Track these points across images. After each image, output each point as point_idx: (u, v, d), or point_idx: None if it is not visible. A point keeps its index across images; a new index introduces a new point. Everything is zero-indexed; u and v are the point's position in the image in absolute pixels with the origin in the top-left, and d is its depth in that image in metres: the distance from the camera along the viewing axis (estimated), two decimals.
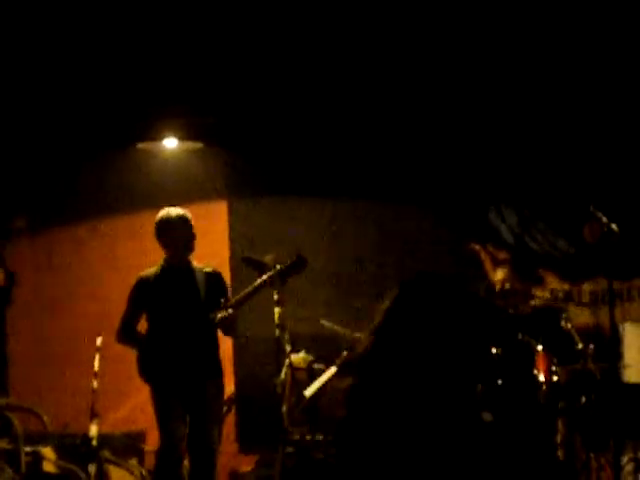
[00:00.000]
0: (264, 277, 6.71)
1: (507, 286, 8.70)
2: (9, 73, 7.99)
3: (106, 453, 8.05)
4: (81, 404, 8.18)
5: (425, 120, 8.86)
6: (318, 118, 8.86)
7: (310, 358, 8.07)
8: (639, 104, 8.34)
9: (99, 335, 7.99)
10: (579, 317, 8.30)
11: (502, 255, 9.17)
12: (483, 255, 9.20)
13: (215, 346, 6.83)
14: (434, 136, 8.98)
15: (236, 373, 9.09)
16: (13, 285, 9.22)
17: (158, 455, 6.77)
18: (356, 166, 9.16)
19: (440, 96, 8.53)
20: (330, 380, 7.58)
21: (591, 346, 7.42)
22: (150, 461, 7.49)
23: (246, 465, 8.73)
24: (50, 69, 8.03)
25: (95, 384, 8.04)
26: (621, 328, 8.08)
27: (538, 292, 8.95)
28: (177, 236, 6.86)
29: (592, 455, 7.34)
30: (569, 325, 7.60)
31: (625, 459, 7.27)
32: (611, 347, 7.23)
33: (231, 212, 9.47)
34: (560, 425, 7.33)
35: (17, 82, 8.12)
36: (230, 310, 6.68)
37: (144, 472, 8.10)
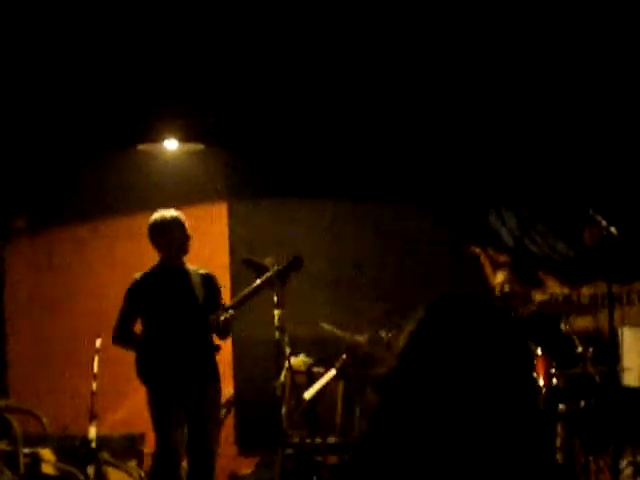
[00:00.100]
0: (262, 278, 6.72)
1: (506, 289, 8.71)
2: (9, 74, 7.99)
3: (105, 455, 8.05)
4: (80, 406, 8.19)
5: (425, 122, 8.86)
6: (318, 120, 8.86)
7: (310, 361, 8.07)
8: (637, 107, 8.33)
9: (98, 336, 7.99)
10: (578, 321, 8.29)
11: (502, 258, 9.17)
12: (483, 258, 9.20)
13: (212, 348, 6.82)
14: (434, 138, 8.98)
15: (235, 376, 9.09)
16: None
17: (155, 459, 6.74)
18: (356, 168, 9.16)
19: (441, 98, 8.53)
20: (329, 383, 7.59)
21: (590, 350, 7.42)
22: (149, 463, 7.49)
23: (245, 467, 8.72)
24: (50, 70, 8.03)
25: (94, 386, 8.04)
26: (620, 332, 8.08)
27: (538, 295, 8.95)
28: (172, 238, 6.85)
29: (591, 458, 7.34)
30: (568, 328, 7.60)
31: (624, 463, 7.27)
32: (610, 351, 7.22)
33: (231, 214, 9.48)
34: (559, 429, 7.33)
35: (17, 83, 8.12)
36: (231, 312, 6.69)
37: (143, 474, 8.10)
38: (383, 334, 8.09)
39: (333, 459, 7.90)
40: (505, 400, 2.36)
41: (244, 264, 7.14)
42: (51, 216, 9.42)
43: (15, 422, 7.98)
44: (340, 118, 8.83)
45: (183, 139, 9.18)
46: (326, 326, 8.06)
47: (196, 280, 6.88)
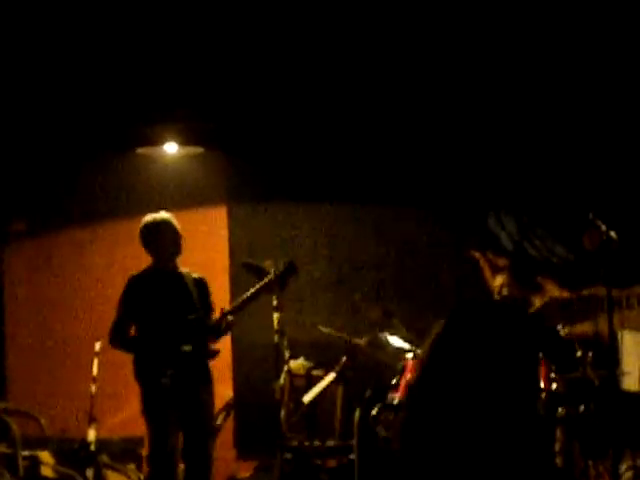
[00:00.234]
0: (260, 284, 6.72)
1: (505, 292, 8.71)
2: (10, 77, 7.99)
3: (104, 458, 8.06)
4: (79, 409, 8.19)
5: (425, 126, 8.86)
6: (318, 123, 8.86)
7: (309, 364, 8.07)
8: (638, 112, 8.34)
9: (98, 340, 7.99)
10: (578, 325, 8.30)
11: (501, 262, 9.18)
12: (482, 262, 9.20)
13: (207, 352, 6.80)
14: (434, 142, 8.98)
15: (235, 379, 9.09)
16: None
17: (152, 463, 6.69)
18: (356, 171, 9.16)
19: (440, 102, 8.54)
20: (328, 386, 7.59)
21: (590, 354, 7.42)
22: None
23: (244, 471, 8.71)
24: (51, 73, 8.03)
25: (94, 389, 8.04)
26: (620, 336, 8.07)
27: (537, 299, 8.95)
28: (163, 240, 6.84)
29: (591, 463, 7.33)
30: (568, 333, 7.60)
31: (624, 467, 7.26)
32: (610, 355, 7.22)
33: (231, 217, 9.48)
34: (559, 433, 7.32)
35: (18, 86, 8.12)
36: (230, 318, 6.69)
37: (142, 477, 8.10)
38: (382, 337, 8.08)
39: (332, 462, 7.90)
40: (519, 402, 2.37)
41: (244, 267, 7.14)
42: (50, 219, 9.43)
43: (14, 424, 7.98)
44: (339, 121, 8.83)
45: (183, 142, 9.19)
46: (325, 329, 8.06)
47: (190, 283, 6.87)
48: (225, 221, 9.47)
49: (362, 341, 7.98)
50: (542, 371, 7.27)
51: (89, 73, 8.07)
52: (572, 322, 8.00)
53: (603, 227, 6.57)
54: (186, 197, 9.23)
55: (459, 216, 9.16)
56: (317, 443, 7.82)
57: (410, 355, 7.53)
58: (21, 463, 7.75)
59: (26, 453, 7.85)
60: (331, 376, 7.65)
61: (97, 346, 8.07)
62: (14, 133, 8.72)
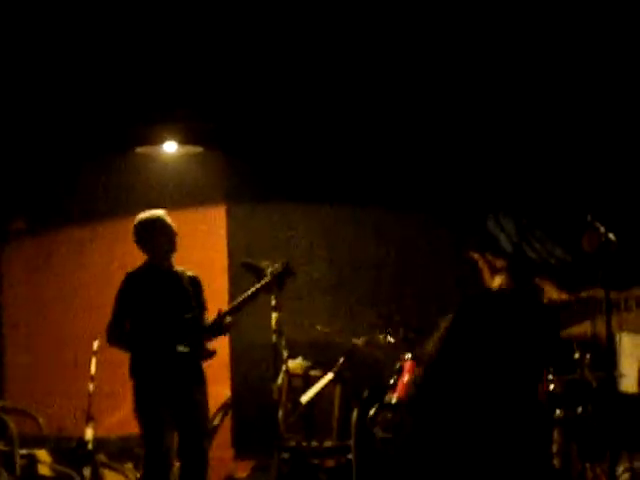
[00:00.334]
0: (257, 285, 6.72)
1: None
2: (9, 76, 7.99)
3: (101, 457, 8.06)
4: (77, 407, 8.19)
5: (424, 128, 8.87)
6: (317, 124, 8.86)
7: (307, 364, 8.08)
8: (636, 113, 8.34)
9: (96, 338, 7.99)
10: (576, 326, 8.30)
11: (499, 263, 9.16)
12: (481, 263, 9.19)
13: (203, 352, 6.79)
14: (433, 144, 8.99)
15: (233, 379, 9.09)
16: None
17: (147, 464, 6.67)
18: (355, 172, 9.16)
19: (439, 104, 8.54)
20: (326, 386, 7.59)
21: (588, 355, 7.42)
22: None
23: (242, 471, 8.72)
24: (50, 73, 8.04)
25: (91, 387, 8.05)
26: (618, 338, 8.07)
27: None
28: (158, 238, 6.83)
29: (588, 465, 7.33)
30: (566, 334, 7.60)
31: (621, 469, 7.26)
32: (608, 357, 7.21)
33: (230, 217, 9.48)
34: (556, 434, 7.32)
35: (17, 86, 8.13)
36: (229, 319, 6.70)
37: (139, 476, 8.10)
38: (381, 338, 8.09)
39: (330, 462, 7.90)
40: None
41: (243, 267, 7.14)
42: (50, 218, 9.43)
43: (11, 423, 7.98)
44: (339, 122, 8.84)
45: (182, 142, 9.19)
46: (324, 330, 8.06)
47: (186, 281, 6.87)
48: (224, 221, 9.47)
49: (360, 341, 7.98)
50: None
51: (88, 73, 8.07)
52: (570, 324, 8.00)
53: (602, 229, 6.57)
54: (185, 196, 9.24)
55: (459, 218, 9.16)
56: (315, 443, 7.83)
57: (408, 355, 7.53)
58: (18, 462, 7.75)
59: (23, 452, 7.86)
60: (329, 376, 7.66)
61: (95, 345, 8.07)
62: (13, 133, 8.72)
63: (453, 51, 7.96)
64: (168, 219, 6.87)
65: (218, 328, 6.74)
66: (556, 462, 7.32)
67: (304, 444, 7.68)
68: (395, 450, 6.82)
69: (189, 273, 6.93)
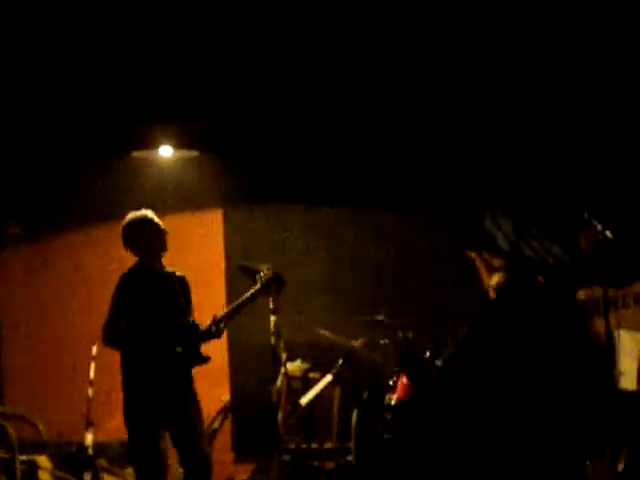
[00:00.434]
0: (244, 297, 6.73)
1: None
2: (7, 80, 7.99)
3: (102, 462, 8.06)
4: (77, 412, 8.18)
5: (422, 127, 8.87)
6: (314, 126, 8.86)
7: (306, 366, 8.09)
8: (634, 112, 8.35)
9: (94, 343, 7.98)
10: None
11: (497, 262, 9.16)
12: (478, 262, 9.19)
13: (197, 357, 6.78)
14: (431, 144, 8.99)
15: (232, 381, 9.09)
16: None
17: (143, 470, 6.64)
18: (352, 173, 9.17)
19: (437, 104, 8.54)
20: (325, 388, 7.59)
21: None
22: None
23: (242, 474, 8.72)
24: (47, 77, 8.03)
25: (90, 392, 8.04)
26: (616, 335, 8.08)
27: None
28: (149, 237, 6.81)
29: (588, 462, 7.33)
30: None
31: (621, 467, 7.27)
32: (607, 354, 7.22)
33: (226, 220, 9.48)
34: None
35: (14, 89, 8.12)
36: (221, 325, 6.71)
37: None
38: (379, 339, 8.10)
39: (330, 464, 7.90)
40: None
41: (240, 270, 7.14)
42: (47, 222, 9.42)
43: (11, 429, 7.98)
44: (336, 124, 8.84)
45: (178, 146, 9.18)
46: (322, 332, 8.06)
47: (177, 283, 6.86)
48: (221, 224, 9.47)
49: (358, 343, 7.99)
50: None
51: (85, 77, 8.07)
52: None
53: (599, 227, 6.58)
54: (182, 200, 9.24)
55: (458, 218, 9.16)
56: (315, 445, 7.83)
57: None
58: (18, 467, 7.74)
59: (23, 457, 7.85)
60: (328, 378, 7.66)
61: (94, 350, 8.07)
62: (10, 136, 8.72)
63: (452, 52, 7.96)
64: (156, 218, 6.86)
65: (212, 333, 6.74)
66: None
67: (304, 446, 7.68)
68: (395, 451, 6.82)
69: (178, 273, 6.92)
